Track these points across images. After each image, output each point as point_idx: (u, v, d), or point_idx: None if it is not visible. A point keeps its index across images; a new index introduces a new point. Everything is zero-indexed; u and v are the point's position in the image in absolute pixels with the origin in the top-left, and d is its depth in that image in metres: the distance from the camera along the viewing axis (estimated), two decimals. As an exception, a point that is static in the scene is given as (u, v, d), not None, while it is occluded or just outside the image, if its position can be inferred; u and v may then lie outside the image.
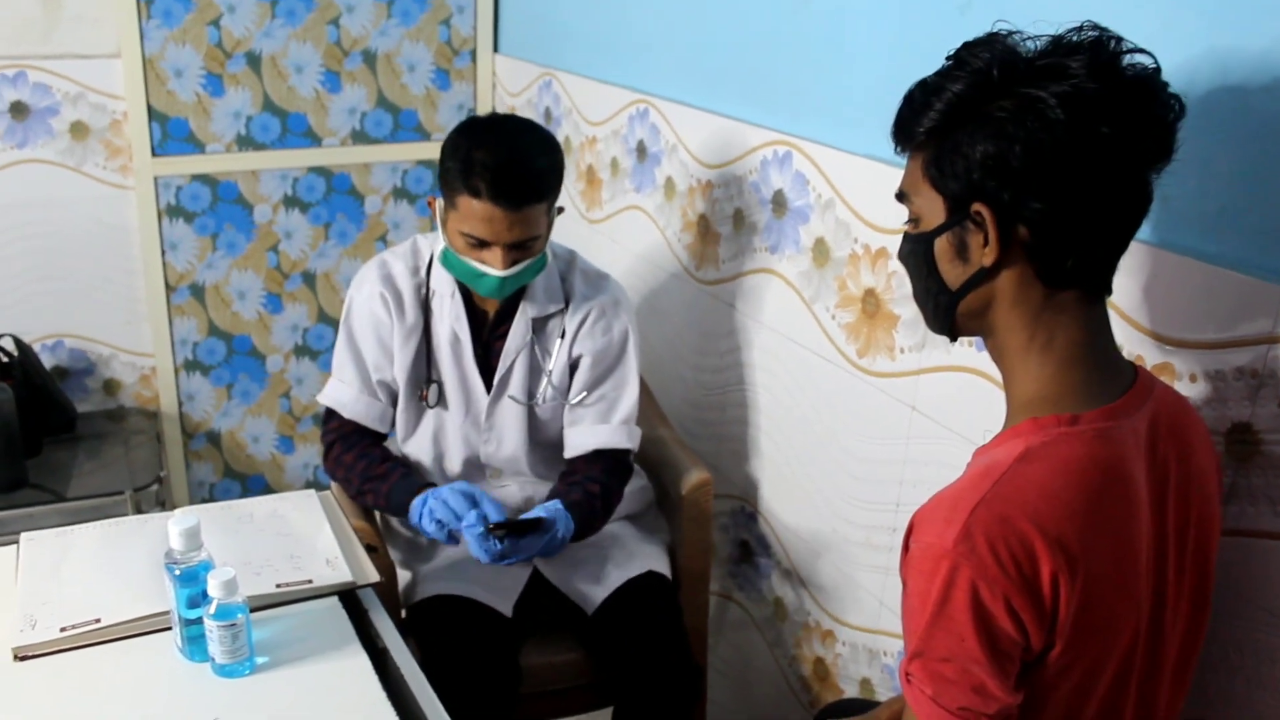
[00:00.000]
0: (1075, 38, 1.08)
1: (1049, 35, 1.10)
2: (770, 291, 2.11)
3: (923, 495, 1.77)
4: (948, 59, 1.14)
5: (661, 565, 2.09)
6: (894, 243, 1.77)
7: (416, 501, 1.89)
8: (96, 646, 1.45)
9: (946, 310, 1.18)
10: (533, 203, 1.82)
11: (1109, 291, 1.15)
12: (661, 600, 2.02)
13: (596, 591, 2.01)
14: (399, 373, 2.03)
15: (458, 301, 2.00)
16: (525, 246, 1.86)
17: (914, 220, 1.19)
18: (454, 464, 2.08)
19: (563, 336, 2.02)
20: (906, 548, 1.14)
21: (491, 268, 1.85)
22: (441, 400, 2.04)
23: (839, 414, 1.96)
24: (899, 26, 1.74)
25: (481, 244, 1.84)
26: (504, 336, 2.01)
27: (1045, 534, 1.05)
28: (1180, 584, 1.19)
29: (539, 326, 2.03)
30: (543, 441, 2.09)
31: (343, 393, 2.05)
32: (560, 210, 1.97)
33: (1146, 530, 1.14)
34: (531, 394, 2.04)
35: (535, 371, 2.04)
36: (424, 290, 2.02)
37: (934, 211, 1.16)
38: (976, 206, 1.10)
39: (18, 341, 2.85)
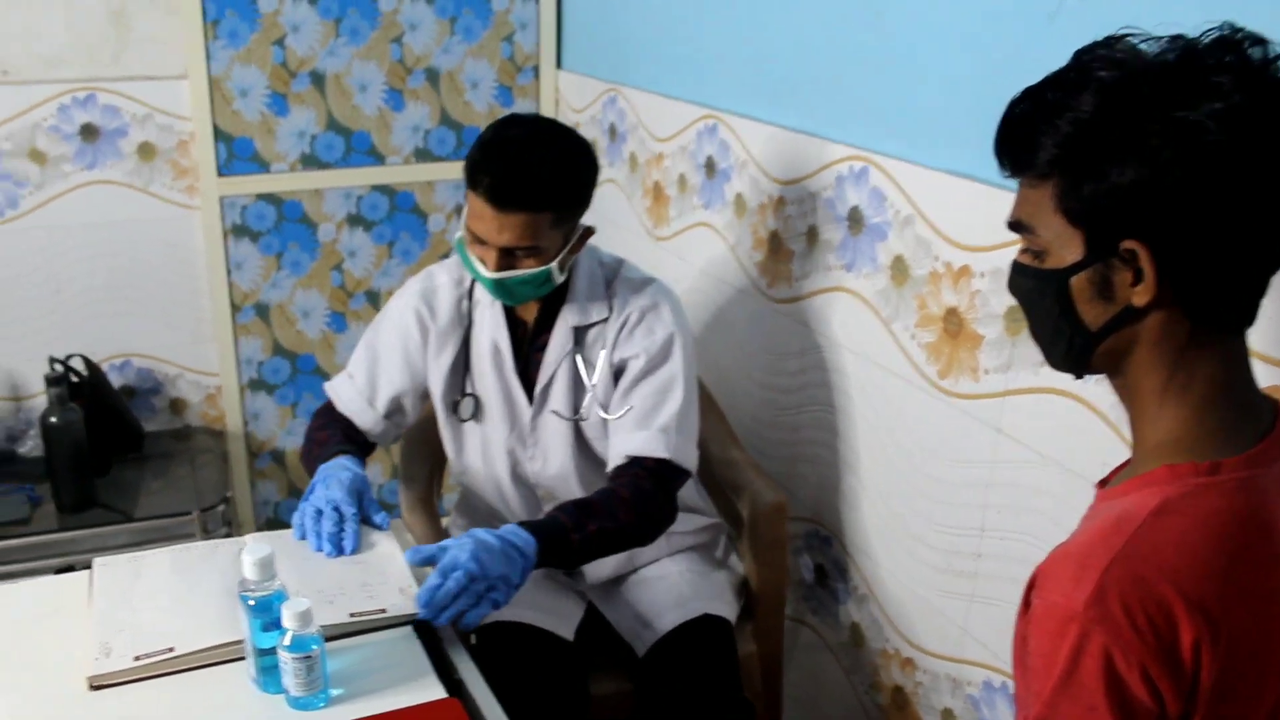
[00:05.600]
0: (1208, 39, 0.98)
1: (1170, 37, 0.99)
2: (845, 310, 2.06)
3: (1009, 521, 1.73)
4: (1065, 69, 1.03)
5: (722, 605, 1.99)
6: (977, 261, 1.72)
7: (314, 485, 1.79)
8: (170, 676, 1.43)
9: (1082, 351, 1.08)
10: (527, 209, 1.74)
11: (1252, 323, 1.05)
12: (716, 646, 1.93)
13: (647, 634, 1.94)
14: (434, 386, 1.99)
15: (498, 310, 1.95)
16: (517, 255, 1.79)
17: (1037, 253, 1.08)
18: (505, 482, 2.02)
19: (605, 346, 1.94)
20: (1027, 602, 1.06)
21: (482, 267, 1.80)
22: (477, 414, 1.99)
23: (918, 436, 1.91)
24: (981, 34, 1.69)
25: (479, 240, 1.79)
26: (544, 348, 1.95)
27: (1186, 597, 0.96)
28: None
29: (580, 336, 1.94)
30: (594, 460, 2.00)
31: (346, 388, 2.01)
32: (586, 230, 1.89)
33: None
34: (576, 408, 1.96)
35: (579, 384, 1.96)
36: (466, 301, 1.98)
37: (1067, 246, 1.04)
38: (1128, 244, 0.99)
39: (87, 361, 2.86)
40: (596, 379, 1.93)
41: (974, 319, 1.74)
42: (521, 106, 3.18)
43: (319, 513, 1.70)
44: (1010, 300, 1.65)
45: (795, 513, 2.28)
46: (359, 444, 1.96)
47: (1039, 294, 1.09)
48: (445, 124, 3.15)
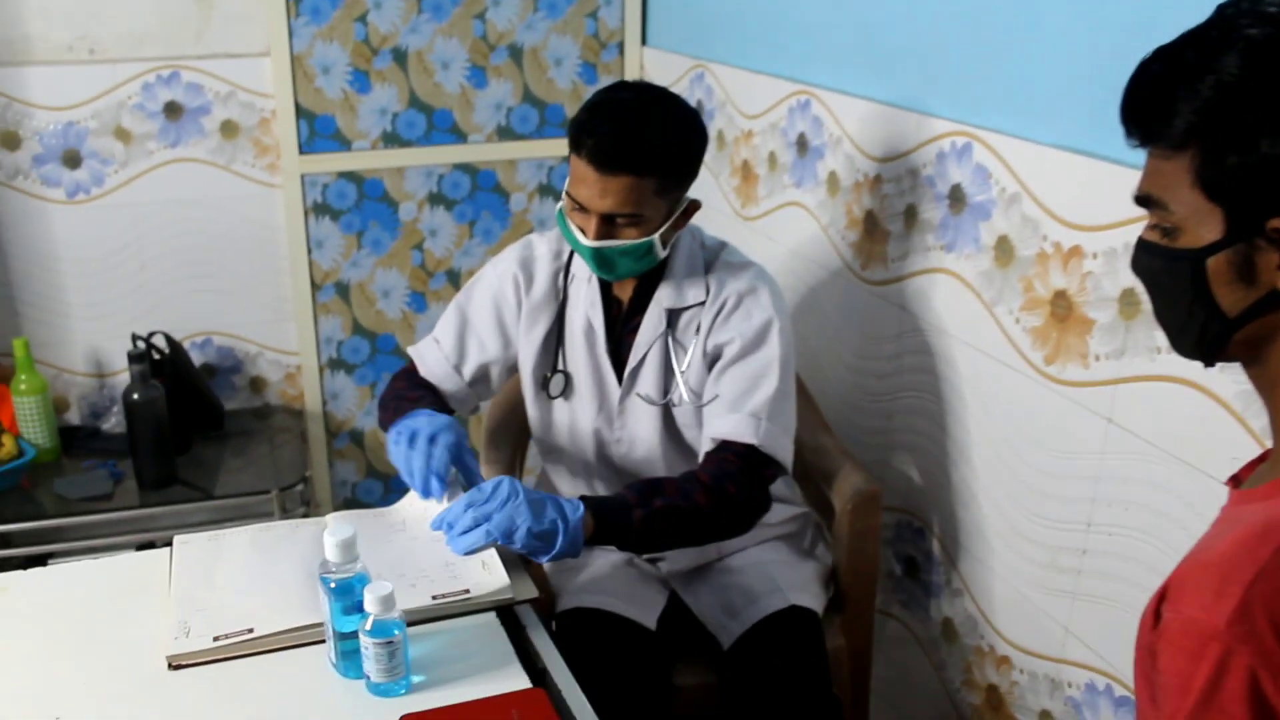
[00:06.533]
0: None
1: None
2: (945, 293, 1.97)
3: (1118, 516, 1.64)
4: (1206, 25, 0.94)
5: (809, 597, 1.91)
6: (1090, 241, 1.62)
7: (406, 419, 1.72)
8: (249, 658, 1.40)
9: (1217, 339, 0.99)
10: (629, 172, 1.67)
11: None
12: (804, 639, 1.85)
13: (733, 625, 1.87)
14: (524, 359, 1.93)
15: (594, 287, 1.89)
16: (618, 223, 1.72)
17: (1168, 230, 0.99)
18: (591, 463, 1.97)
19: (698, 331, 1.86)
20: (1157, 614, 0.97)
21: (582, 236, 1.73)
22: (567, 391, 1.93)
23: (1021, 424, 1.82)
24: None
25: (581, 207, 1.72)
26: (637, 329, 1.88)
27: None
28: None
29: (674, 319, 1.87)
30: (682, 446, 1.93)
31: (432, 353, 1.95)
32: (692, 204, 1.81)
33: None
34: (666, 392, 1.89)
35: (669, 368, 1.88)
36: (563, 275, 1.92)
37: (1205, 224, 0.95)
38: (1277, 223, 0.91)
39: (169, 339, 2.87)
40: (687, 364, 1.86)
41: (1084, 302, 1.65)
42: (606, 83, 3.10)
43: (424, 439, 1.66)
44: (1125, 283, 1.57)
45: (886, 502, 2.20)
46: (445, 410, 1.89)
47: (1169, 275, 1.00)
48: (528, 102, 3.10)
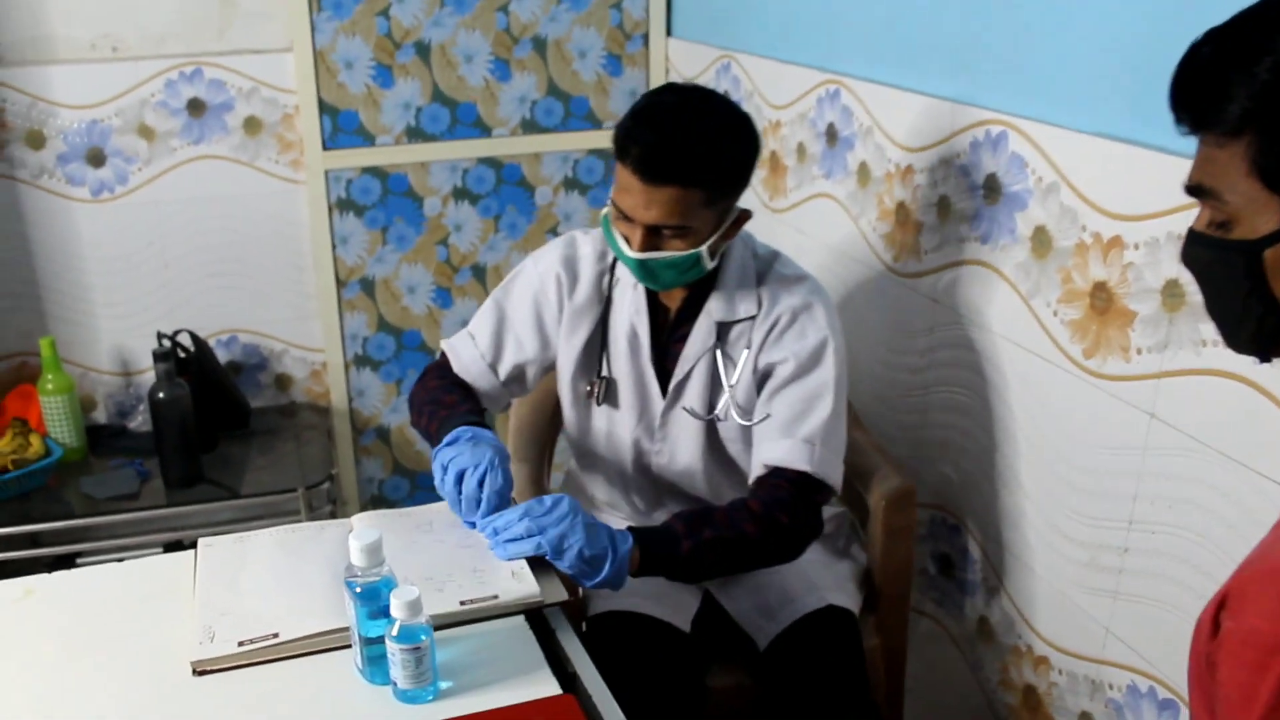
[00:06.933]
0: None
1: None
2: (980, 285, 1.93)
3: (1162, 514, 1.59)
4: (1262, 4, 0.90)
5: (845, 597, 1.88)
6: (1130, 231, 1.58)
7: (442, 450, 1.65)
8: (274, 663, 1.38)
9: (1275, 333, 0.96)
10: (677, 184, 1.60)
11: None
12: (841, 640, 1.81)
13: (769, 626, 1.83)
14: (563, 363, 1.88)
15: (640, 294, 1.83)
16: (664, 235, 1.65)
17: (1222, 222, 0.95)
18: (628, 472, 1.93)
19: (749, 346, 1.81)
20: (1215, 622, 0.93)
21: (626, 246, 1.68)
22: (608, 398, 1.88)
23: (1060, 420, 1.78)
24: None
25: (624, 216, 1.67)
26: (684, 339, 1.82)
27: None
28: None
29: (724, 332, 1.81)
30: (725, 460, 1.88)
31: (467, 349, 1.89)
32: (742, 214, 1.75)
33: None
34: (712, 407, 1.83)
35: (717, 382, 1.82)
36: (608, 278, 1.86)
37: (1262, 214, 0.91)
38: None
39: (194, 337, 2.86)
40: (737, 379, 1.81)
41: (1126, 294, 1.60)
42: (630, 76, 3.09)
43: (458, 474, 1.60)
44: (1169, 273, 1.52)
45: (919, 499, 2.16)
46: (479, 413, 1.85)
47: (1223, 267, 0.96)
48: (552, 94, 3.07)
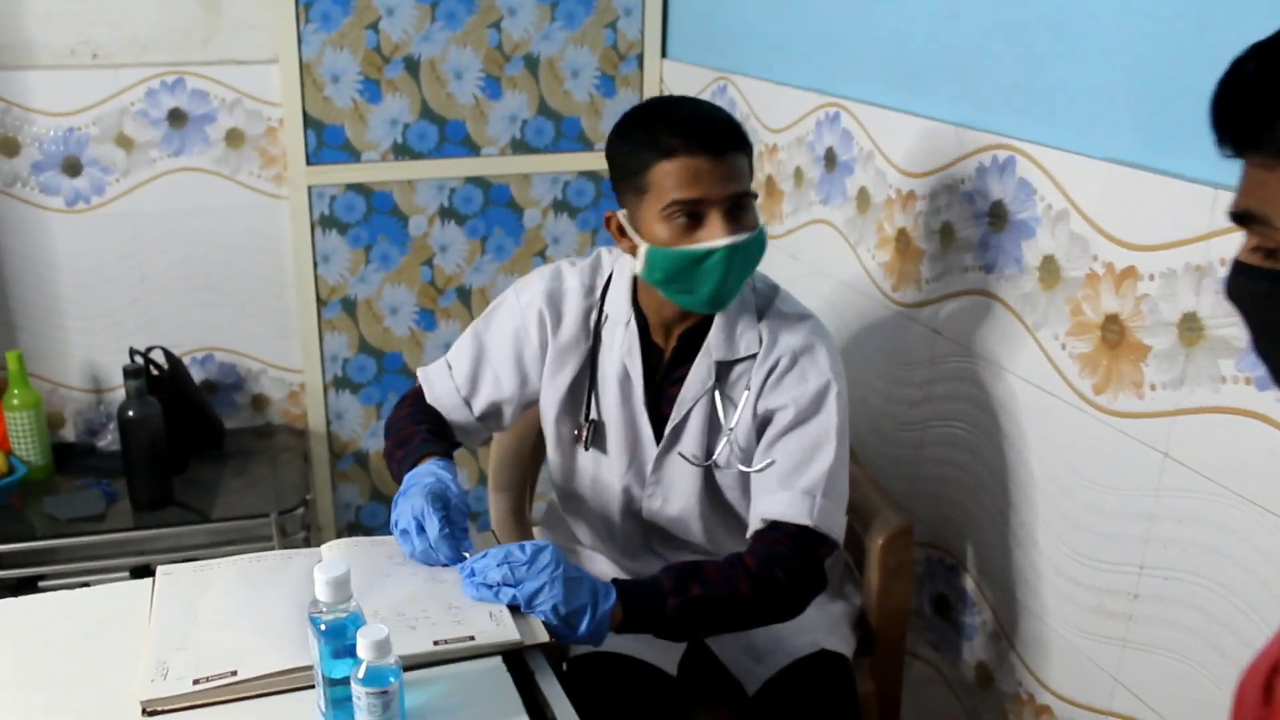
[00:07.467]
0: None
1: None
2: (984, 316, 1.86)
3: (1175, 558, 1.52)
4: None
5: (839, 640, 1.80)
6: (1145, 261, 1.51)
7: (397, 498, 1.58)
8: (231, 703, 1.29)
9: None
10: (736, 149, 1.57)
11: None
12: (834, 686, 1.73)
13: (759, 670, 1.74)
14: (547, 405, 1.79)
15: (632, 332, 1.73)
16: (743, 207, 1.58)
17: (1272, 251, 0.87)
18: (613, 517, 1.84)
19: (748, 387, 1.71)
20: (1268, 687, 0.85)
21: (715, 239, 1.55)
22: (599, 442, 1.79)
23: (1067, 457, 1.70)
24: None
25: (694, 215, 1.55)
26: (680, 381, 1.72)
27: None
28: None
29: (723, 373, 1.72)
30: (721, 505, 1.79)
31: (442, 380, 1.80)
32: (755, 196, 1.67)
33: None
34: (710, 452, 1.75)
35: (715, 425, 1.73)
36: (595, 314, 1.78)
37: None
38: None
39: (168, 354, 2.77)
40: (736, 421, 1.72)
41: (1139, 327, 1.53)
42: (624, 96, 3.03)
43: (404, 533, 1.53)
44: (1186, 307, 1.45)
45: (916, 537, 2.08)
46: (447, 440, 1.77)
47: (1273, 301, 0.88)
48: (544, 114, 3.00)
